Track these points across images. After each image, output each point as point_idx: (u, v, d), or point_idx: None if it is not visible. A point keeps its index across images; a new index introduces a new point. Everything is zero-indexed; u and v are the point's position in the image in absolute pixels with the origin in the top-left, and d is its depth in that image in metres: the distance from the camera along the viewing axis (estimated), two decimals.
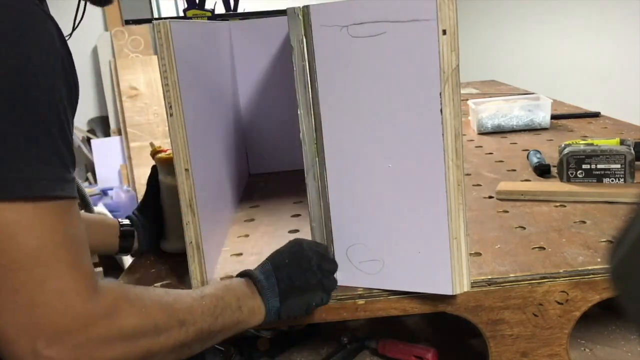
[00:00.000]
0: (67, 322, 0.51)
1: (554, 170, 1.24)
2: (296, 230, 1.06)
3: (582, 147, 1.16)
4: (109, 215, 3.11)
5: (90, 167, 4.27)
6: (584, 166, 1.14)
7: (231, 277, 0.85)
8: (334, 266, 0.81)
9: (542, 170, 1.24)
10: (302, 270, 0.76)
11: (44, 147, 0.53)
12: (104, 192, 3.75)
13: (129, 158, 4.00)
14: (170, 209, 0.98)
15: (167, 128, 0.78)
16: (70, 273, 0.53)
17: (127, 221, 1.00)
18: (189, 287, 0.83)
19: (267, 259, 0.78)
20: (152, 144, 1.02)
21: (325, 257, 0.80)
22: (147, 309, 0.59)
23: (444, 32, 0.69)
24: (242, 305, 0.71)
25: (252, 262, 0.94)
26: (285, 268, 0.76)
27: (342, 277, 0.82)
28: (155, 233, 1.01)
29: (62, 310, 0.51)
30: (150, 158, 1.02)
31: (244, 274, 0.76)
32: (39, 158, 0.52)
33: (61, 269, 0.52)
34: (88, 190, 3.29)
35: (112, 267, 3.12)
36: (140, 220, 1.00)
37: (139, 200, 1.07)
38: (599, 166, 1.13)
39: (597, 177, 1.13)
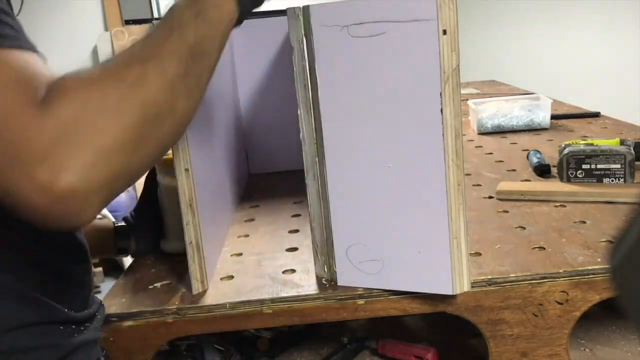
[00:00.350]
0: (36, 141, 0.48)
1: (554, 170, 1.24)
2: (296, 231, 1.06)
3: (582, 147, 1.16)
4: (109, 215, 3.11)
5: None
6: (584, 166, 1.14)
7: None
8: None
9: (542, 170, 1.24)
10: None
11: None
12: None
13: None
14: (169, 209, 0.98)
15: None
16: (14, 99, 0.49)
17: (122, 223, 0.99)
18: (189, 287, 0.83)
19: None
20: None
21: None
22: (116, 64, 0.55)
23: (444, 32, 0.69)
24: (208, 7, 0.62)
25: (252, 262, 0.94)
26: None
27: (342, 277, 0.82)
28: (152, 233, 1.00)
29: (25, 134, 0.48)
30: None
31: None
32: None
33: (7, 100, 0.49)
34: None
35: (112, 267, 3.12)
36: (137, 220, 0.99)
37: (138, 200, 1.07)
38: (599, 166, 1.13)
39: (597, 177, 1.13)
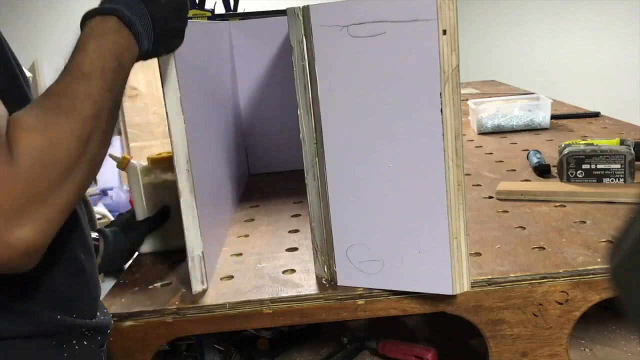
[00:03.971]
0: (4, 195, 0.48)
1: (554, 170, 1.24)
2: (296, 231, 1.06)
3: (582, 147, 1.16)
4: (109, 215, 3.11)
5: None
6: (584, 166, 1.14)
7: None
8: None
9: (542, 170, 1.24)
10: (179, 16, 0.71)
11: None
12: (104, 192, 3.75)
13: None
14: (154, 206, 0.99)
15: (167, 128, 0.78)
16: None
17: (95, 234, 0.93)
18: (189, 287, 0.83)
19: None
20: (123, 157, 1.01)
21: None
22: (45, 109, 0.54)
23: (444, 32, 0.69)
24: (121, 62, 0.62)
25: (252, 262, 0.94)
26: (162, 9, 0.68)
27: (342, 277, 0.82)
28: (126, 250, 0.96)
29: None
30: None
31: (105, 12, 0.63)
32: None
33: None
34: (88, 190, 3.29)
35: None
36: (114, 235, 0.94)
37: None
38: (599, 166, 1.13)
39: (597, 177, 1.13)
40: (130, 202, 1.14)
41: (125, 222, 1.00)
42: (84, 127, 0.56)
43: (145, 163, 1.02)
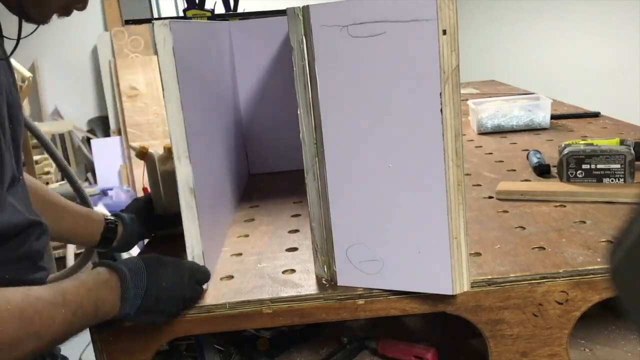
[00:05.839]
0: None
1: (554, 170, 1.24)
2: (296, 231, 1.06)
3: (582, 147, 1.16)
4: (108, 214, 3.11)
5: (90, 167, 4.26)
6: (584, 166, 1.14)
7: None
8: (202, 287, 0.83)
9: (542, 170, 1.24)
10: (173, 302, 0.77)
11: None
12: (104, 192, 3.76)
13: (129, 158, 4.00)
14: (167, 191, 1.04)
15: (167, 128, 0.79)
16: None
17: (112, 217, 1.03)
18: None
19: (143, 260, 0.78)
20: (142, 147, 1.06)
21: (197, 281, 0.81)
22: (5, 325, 0.60)
23: (444, 32, 0.69)
24: (99, 311, 0.71)
25: (252, 262, 0.94)
26: (158, 290, 0.76)
27: (342, 277, 0.82)
28: (140, 230, 1.05)
29: None
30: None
31: (112, 268, 0.75)
32: None
33: None
34: (88, 190, 3.29)
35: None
36: (131, 221, 1.03)
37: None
38: (599, 166, 1.13)
39: (597, 177, 1.13)
40: (144, 189, 1.21)
41: (141, 207, 1.07)
42: (24, 340, 0.63)
43: (161, 152, 1.06)
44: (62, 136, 4.15)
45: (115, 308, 0.73)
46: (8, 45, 0.77)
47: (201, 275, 0.82)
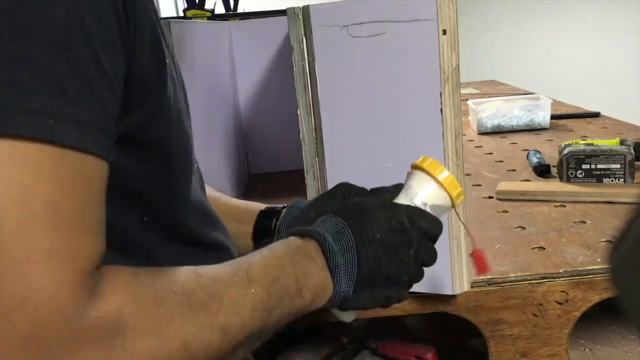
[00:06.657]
0: (49, 339, 0.35)
1: (553, 170, 1.24)
2: None
3: (582, 147, 1.16)
4: None
5: None
6: (583, 166, 1.14)
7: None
8: (433, 251, 0.57)
9: (542, 170, 1.24)
10: (398, 259, 0.54)
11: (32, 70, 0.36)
12: None
13: None
14: None
15: None
16: (52, 260, 0.35)
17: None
18: None
19: (340, 215, 0.56)
20: None
21: (427, 237, 0.57)
22: (170, 318, 0.40)
23: (444, 32, 0.69)
24: (302, 287, 0.51)
25: None
26: (375, 246, 0.54)
27: None
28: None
29: (43, 321, 0.35)
30: None
31: (305, 234, 0.54)
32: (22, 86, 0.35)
33: (40, 252, 0.35)
34: None
35: None
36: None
37: None
38: (599, 166, 1.13)
39: (597, 177, 1.13)
40: None
41: None
42: (201, 336, 0.42)
43: None
44: None
45: (324, 282, 0.53)
46: None
47: (427, 224, 0.57)
